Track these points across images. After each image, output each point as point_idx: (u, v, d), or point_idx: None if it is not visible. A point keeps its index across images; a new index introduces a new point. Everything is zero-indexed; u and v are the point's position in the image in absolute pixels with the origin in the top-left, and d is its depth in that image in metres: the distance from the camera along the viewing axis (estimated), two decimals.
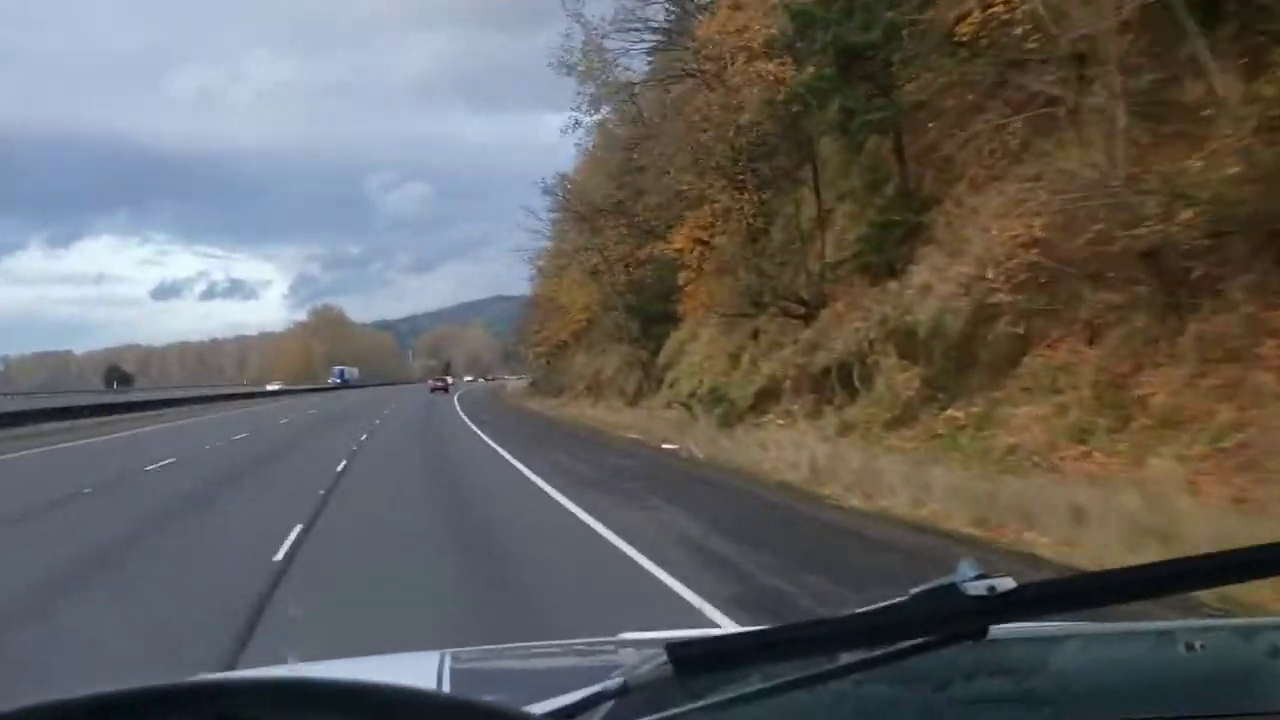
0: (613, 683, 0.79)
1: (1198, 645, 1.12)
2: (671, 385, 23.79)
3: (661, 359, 26.36)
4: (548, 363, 45.94)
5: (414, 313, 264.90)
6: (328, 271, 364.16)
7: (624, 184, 27.40)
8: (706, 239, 21.12)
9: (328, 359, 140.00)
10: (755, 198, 20.42)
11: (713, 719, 0.85)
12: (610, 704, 0.80)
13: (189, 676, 0.57)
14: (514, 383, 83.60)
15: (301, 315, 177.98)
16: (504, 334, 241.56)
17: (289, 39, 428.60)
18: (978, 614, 0.80)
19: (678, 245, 22.75)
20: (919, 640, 0.82)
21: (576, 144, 31.85)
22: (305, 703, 0.57)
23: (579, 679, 0.86)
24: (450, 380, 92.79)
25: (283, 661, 3.03)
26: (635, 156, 24.99)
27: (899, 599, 0.82)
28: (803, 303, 18.42)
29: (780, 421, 16.53)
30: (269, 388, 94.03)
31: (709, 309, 20.40)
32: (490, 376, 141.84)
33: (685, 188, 21.92)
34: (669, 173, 21.68)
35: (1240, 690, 1.07)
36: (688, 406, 21.02)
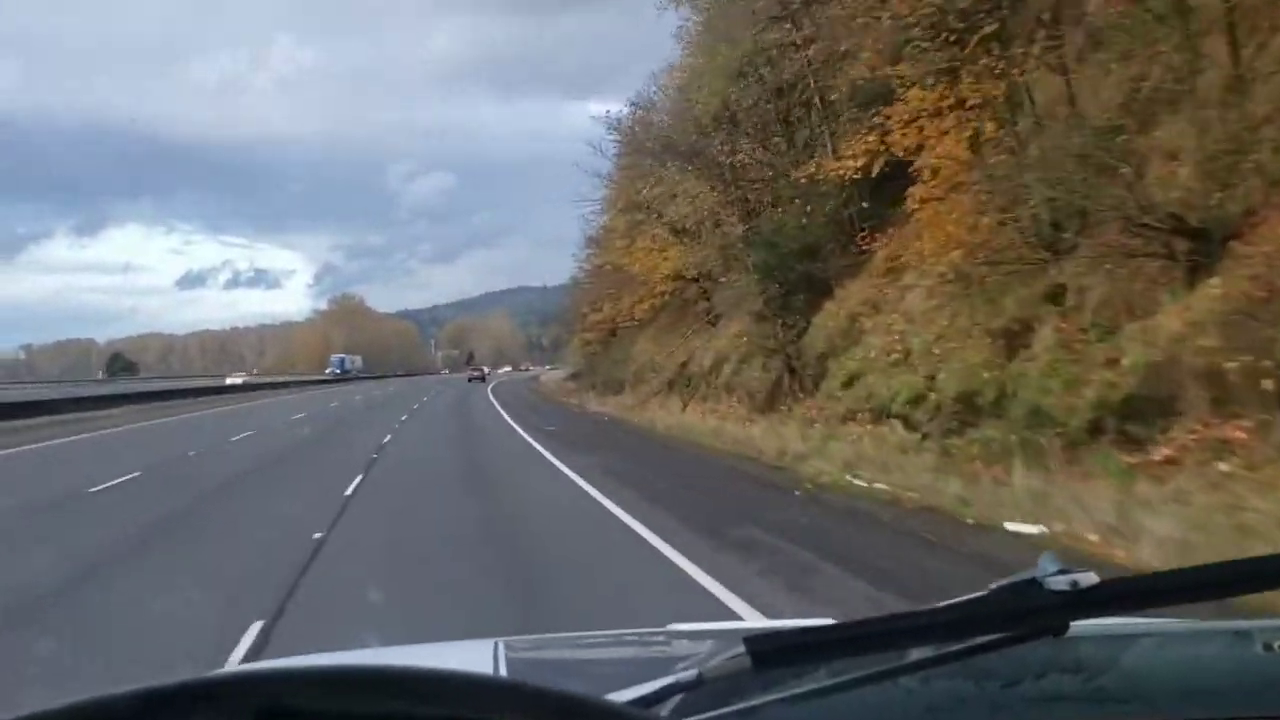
0: (688, 674, 0.77)
1: (1276, 645, 1.08)
2: (849, 384, 15.03)
3: (814, 344, 17.51)
4: (595, 352, 37.67)
5: (436, 303, 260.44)
6: (351, 261, 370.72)
7: (751, 81, 18.51)
8: (936, 136, 12.28)
9: (346, 348, 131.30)
10: (1031, 58, 11.61)
11: (789, 712, 0.84)
12: (684, 695, 0.78)
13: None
14: (549, 373, 76.74)
15: (324, 305, 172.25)
16: (529, 324, 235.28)
17: (312, 25, 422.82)
18: (1060, 609, 0.78)
19: (856, 153, 13.96)
20: (998, 635, 0.80)
21: (680, 24, 23.31)
22: (352, 691, 0.55)
23: (636, 669, 0.88)
24: (486, 370, 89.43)
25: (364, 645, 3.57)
26: (791, 27, 16.13)
27: (979, 593, 0.79)
28: (1184, 230, 9.63)
29: (1222, 466, 7.87)
30: (230, 381, 71.04)
31: (968, 251, 11.55)
32: (524, 367, 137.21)
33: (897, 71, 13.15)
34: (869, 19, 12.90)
35: None
36: (908, 424, 12.35)
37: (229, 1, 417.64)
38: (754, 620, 4.17)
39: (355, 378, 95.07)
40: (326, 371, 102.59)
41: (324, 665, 0.57)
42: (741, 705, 0.80)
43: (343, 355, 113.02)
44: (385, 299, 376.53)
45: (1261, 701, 0.97)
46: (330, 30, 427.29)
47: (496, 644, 1.28)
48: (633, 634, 1.84)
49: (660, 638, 1.56)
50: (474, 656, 1.28)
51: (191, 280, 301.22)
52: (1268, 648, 1.08)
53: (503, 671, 1.17)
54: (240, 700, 0.53)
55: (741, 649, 0.74)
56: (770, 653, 0.75)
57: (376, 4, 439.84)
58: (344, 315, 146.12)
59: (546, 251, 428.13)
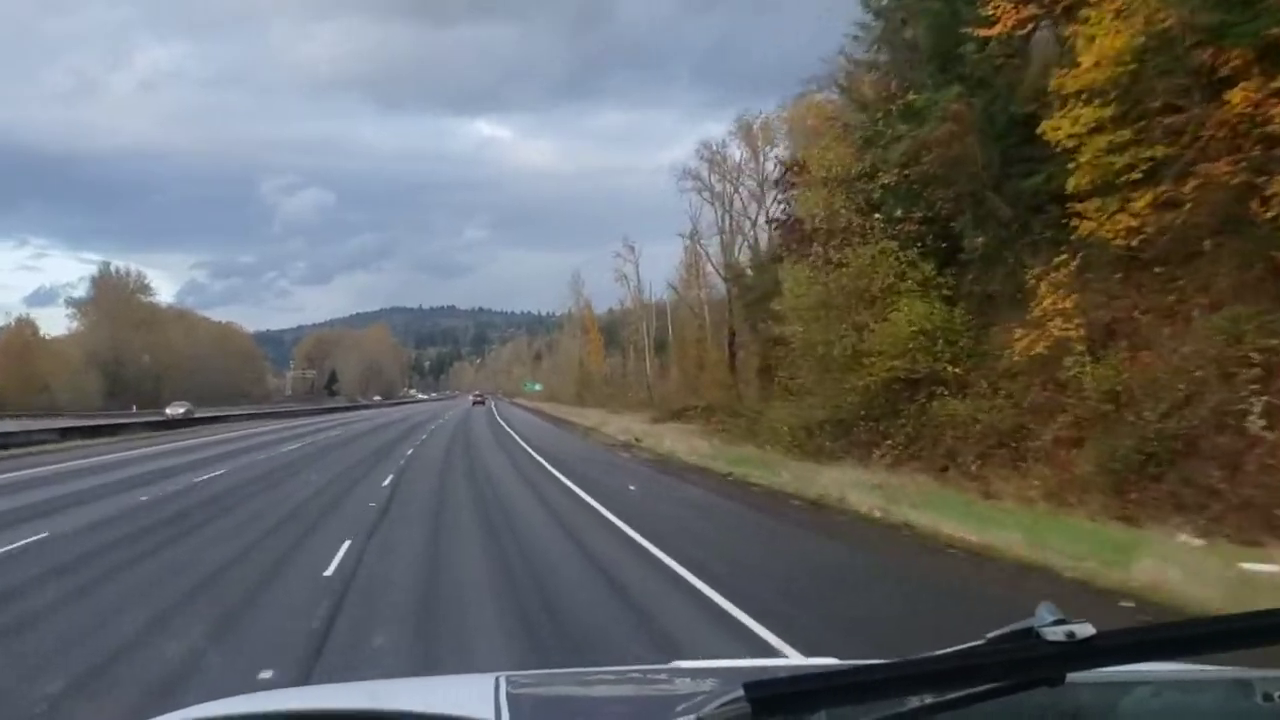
0: (685, 719, 0.80)
1: (1275, 695, 1.10)
2: None
3: None
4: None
5: (303, 323, 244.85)
6: (217, 280, 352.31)
7: None
8: None
9: (99, 366, 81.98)
10: None
11: None
12: None
13: None
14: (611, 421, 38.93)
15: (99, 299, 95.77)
16: (406, 344, 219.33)
17: (182, 29, 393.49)
18: (1056, 660, 0.81)
19: None
20: (995, 685, 0.83)
21: None
22: None
23: (637, 709, 0.99)
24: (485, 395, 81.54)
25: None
26: None
27: (976, 643, 0.84)
28: None
29: None
30: None
31: None
32: (479, 396, 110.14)
33: None
34: None
35: None
36: None
37: (91, 2, 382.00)
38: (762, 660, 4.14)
39: None
40: None
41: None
42: None
43: None
44: (254, 319, 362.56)
45: None
46: (203, 33, 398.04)
47: (498, 679, 1.33)
48: (636, 671, 1.96)
49: (663, 675, 1.66)
50: (476, 692, 1.32)
51: (43, 297, 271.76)
52: (1267, 698, 1.10)
53: (505, 707, 1.20)
54: None
55: (740, 694, 0.76)
56: (769, 699, 0.76)
57: (256, 10, 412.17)
58: (115, 312, 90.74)
59: (424, 274, 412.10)
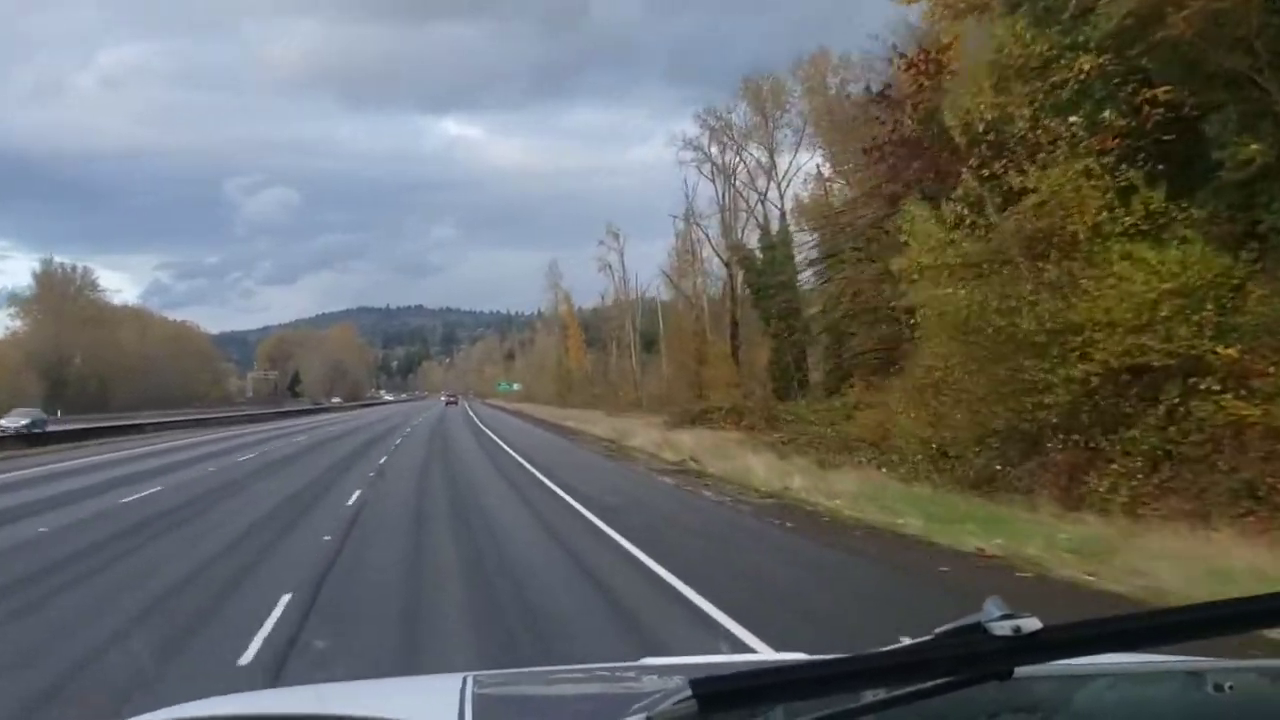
0: (635, 718, 0.80)
1: (1227, 686, 1.11)
2: None
3: None
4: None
5: (269, 324, 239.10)
6: (181, 281, 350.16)
7: None
8: None
9: (38, 368, 72.88)
10: None
11: None
12: None
13: None
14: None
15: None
16: (374, 344, 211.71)
17: (144, 26, 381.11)
18: (1003, 654, 0.82)
19: None
20: (944, 680, 0.83)
21: None
22: None
23: (601, 707, 0.95)
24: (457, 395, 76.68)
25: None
26: None
27: (924, 638, 0.83)
28: None
29: None
30: None
31: None
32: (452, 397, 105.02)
33: None
34: None
35: None
36: None
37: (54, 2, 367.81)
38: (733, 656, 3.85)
39: None
40: None
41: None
42: None
43: None
44: (218, 321, 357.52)
45: None
46: (166, 30, 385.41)
47: (465, 679, 1.31)
48: (605, 669, 1.93)
49: (631, 673, 1.64)
50: (442, 691, 1.31)
51: (3, 301, 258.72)
52: (1219, 689, 1.10)
53: (469, 707, 1.19)
54: None
55: (688, 691, 0.75)
56: (716, 695, 0.76)
57: (228, 10, 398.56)
58: (58, 310, 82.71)
59: (392, 273, 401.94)
